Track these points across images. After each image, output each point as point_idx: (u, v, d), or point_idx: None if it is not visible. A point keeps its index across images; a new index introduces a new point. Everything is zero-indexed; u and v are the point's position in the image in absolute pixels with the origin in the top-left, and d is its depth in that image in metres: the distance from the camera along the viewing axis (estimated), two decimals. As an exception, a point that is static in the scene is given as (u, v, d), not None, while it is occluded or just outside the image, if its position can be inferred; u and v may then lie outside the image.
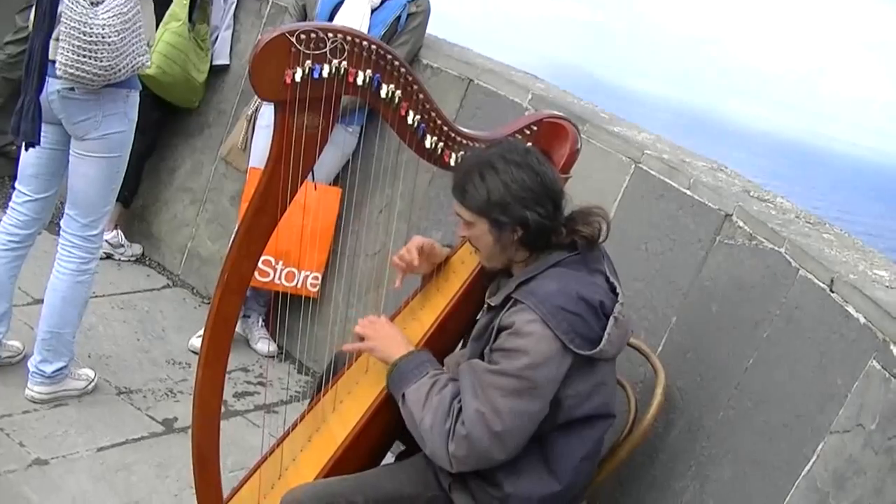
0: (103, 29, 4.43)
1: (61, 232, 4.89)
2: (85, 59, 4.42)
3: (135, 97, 4.76)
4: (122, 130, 4.74)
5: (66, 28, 4.40)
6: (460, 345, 3.92)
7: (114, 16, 4.46)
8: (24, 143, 4.61)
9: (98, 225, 4.90)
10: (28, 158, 4.84)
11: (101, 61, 4.45)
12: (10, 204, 4.95)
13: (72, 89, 4.55)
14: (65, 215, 4.88)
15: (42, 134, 4.63)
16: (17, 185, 4.94)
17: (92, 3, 4.42)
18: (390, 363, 3.61)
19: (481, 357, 3.46)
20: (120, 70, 4.53)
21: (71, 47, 4.40)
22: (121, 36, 4.48)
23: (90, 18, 4.40)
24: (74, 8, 4.39)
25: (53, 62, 4.47)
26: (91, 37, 4.41)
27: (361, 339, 3.74)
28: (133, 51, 4.56)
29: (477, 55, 5.81)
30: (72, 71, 4.43)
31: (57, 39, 4.46)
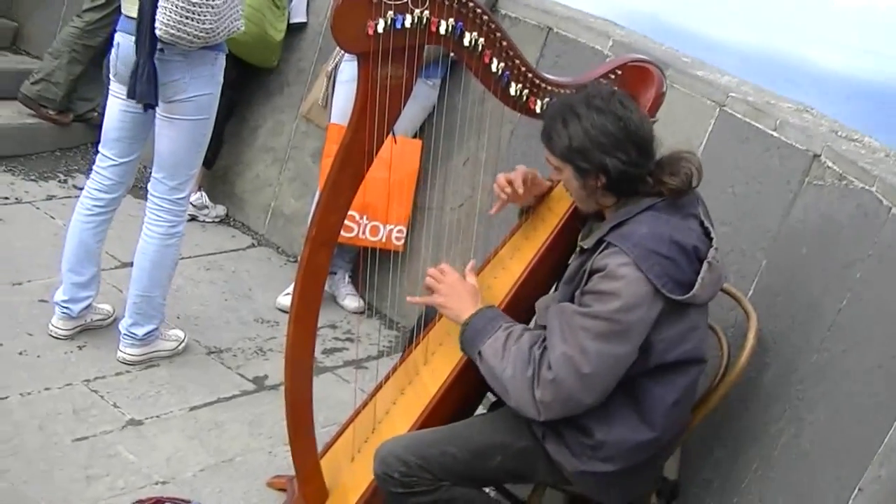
0: None
1: (149, 196, 4.92)
2: (188, 21, 4.42)
3: (222, 60, 4.77)
4: (209, 93, 4.75)
5: None
6: (553, 288, 3.90)
7: None
8: (143, 106, 4.63)
9: (185, 188, 4.92)
10: (112, 122, 4.87)
11: (204, 24, 4.46)
12: (94, 168, 4.99)
13: (161, 50, 4.54)
14: (152, 178, 4.90)
15: (126, 95, 4.65)
16: (100, 148, 4.96)
17: None
18: (460, 323, 3.61)
19: (571, 300, 3.45)
20: (219, 33, 4.54)
21: (175, 8, 4.40)
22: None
23: None
24: None
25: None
26: None
27: (431, 291, 3.75)
28: (232, 14, 4.57)
29: (555, 3, 5.75)
30: (173, 32, 4.43)
31: None
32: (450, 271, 3.75)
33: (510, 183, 3.93)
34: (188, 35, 4.45)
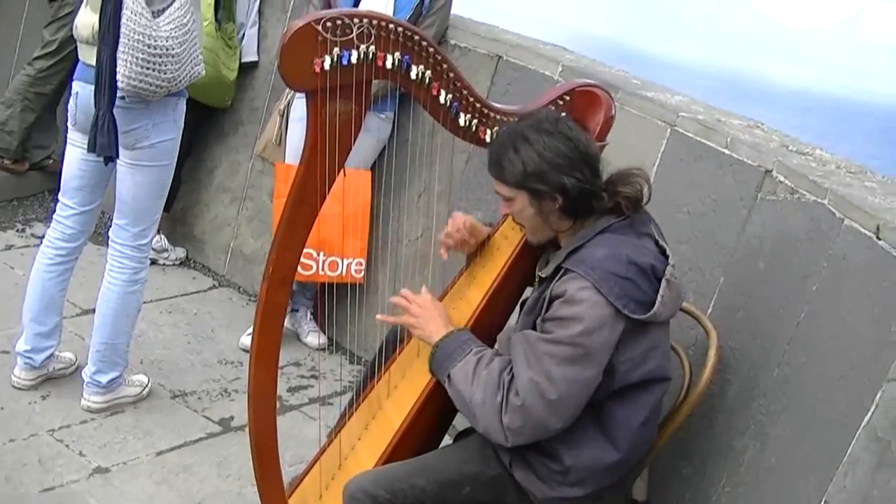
0: (167, 41, 4.42)
1: (111, 243, 4.90)
2: (149, 72, 4.42)
3: (182, 104, 4.77)
4: (171, 138, 4.75)
5: (127, 41, 4.38)
6: (516, 320, 3.91)
7: (176, 27, 4.45)
8: (104, 159, 4.58)
9: (148, 234, 4.92)
10: (71, 171, 4.85)
11: (165, 73, 4.45)
12: (55, 217, 4.96)
13: (122, 98, 4.52)
14: (114, 225, 4.88)
15: (85, 144, 4.63)
16: (60, 197, 4.94)
17: (153, 14, 4.42)
18: (431, 344, 3.61)
19: (533, 328, 3.46)
20: (181, 80, 4.54)
21: (135, 60, 4.39)
22: (183, 47, 4.49)
23: (153, 31, 4.39)
24: (137, 20, 4.37)
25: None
26: (156, 49, 4.41)
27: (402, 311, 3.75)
28: (192, 60, 4.57)
29: (504, 31, 5.78)
30: (135, 83, 4.43)
31: None
32: (422, 295, 3.76)
33: (455, 232, 3.96)
34: (150, 85, 4.45)
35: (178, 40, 4.46)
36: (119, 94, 4.49)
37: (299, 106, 5.65)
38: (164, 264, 6.65)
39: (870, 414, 3.15)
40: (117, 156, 4.58)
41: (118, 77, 4.42)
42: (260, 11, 6.53)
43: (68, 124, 4.85)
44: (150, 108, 4.61)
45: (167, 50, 4.42)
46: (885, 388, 3.13)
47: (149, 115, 4.62)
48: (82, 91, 4.67)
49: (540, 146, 3.39)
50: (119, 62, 4.40)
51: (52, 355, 5.08)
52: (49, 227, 5.02)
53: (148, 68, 4.41)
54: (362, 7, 5.37)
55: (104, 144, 4.50)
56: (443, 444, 3.94)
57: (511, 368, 3.43)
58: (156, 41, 4.40)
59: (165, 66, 4.44)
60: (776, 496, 3.51)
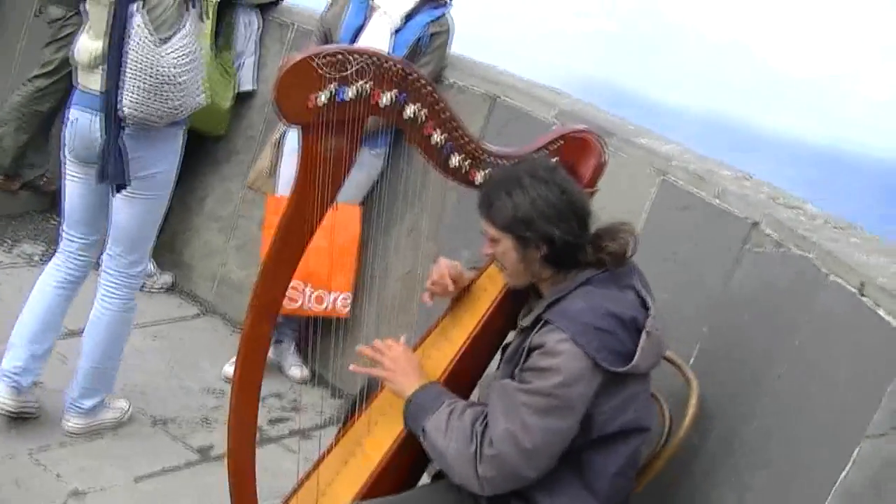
0: (173, 69, 4.43)
1: (104, 270, 4.90)
2: (153, 100, 4.42)
3: (181, 136, 4.78)
4: (168, 169, 4.76)
5: (133, 69, 4.39)
6: (497, 365, 3.91)
7: (181, 55, 4.46)
8: (114, 187, 4.56)
9: (143, 262, 4.94)
10: (73, 204, 4.84)
11: (170, 101, 4.46)
12: (65, 249, 4.94)
13: (124, 126, 4.52)
14: (107, 254, 4.88)
15: (84, 177, 4.63)
16: (66, 229, 4.92)
17: (159, 42, 4.43)
18: (404, 398, 3.61)
19: (512, 377, 3.46)
20: (185, 109, 4.55)
21: (139, 88, 4.40)
22: (188, 76, 4.49)
23: (159, 59, 4.40)
24: (143, 48, 4.37)
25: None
26: (160, 77, 4.41)
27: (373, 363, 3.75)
28: (196, 89, 4.57)
29: (501, 72, 5.80)
30: (138, 111, 4.43)
31: None
32: (394, 345, 3.76)
33: (440, 279, 3.96)
34: (154, 114, 4.45)
35: (184, 69, 4.47)
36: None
37: (293, 138, 5.67)
38: (150, 290, 6.64)
39: (847, 470, 3.16)
40: (129, 183, 4.55)
41: (123, 105, 4.42)
42: (259, 41, 6.56)
43: (66, 154, 4.79)
44: (150, 138, 4.60)
45: (172, 78, 4.43)
46: (862, 444, 3.14)
47: (151, 144, 4.61)
48: (81, 118, 4.65)
49: (533, 193, 3.40)
50: (125, 90, 4.41)
51: (34, 382, 5.00)
52: (55, 252, 5.01)
53: (153, 96, 4.41)
54: (361, 43, 5.39)
55: (116, 173, 4.48)
56: (421, 483, 3.93)
57: (484, 419, 3.43)
58: (160, 69, 4.40)
59: (170, 94, 4.44)
60: (751, 549, 3.52)
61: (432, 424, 3.49)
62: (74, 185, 4.80)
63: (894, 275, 3.56)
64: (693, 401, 3.79)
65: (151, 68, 4.39)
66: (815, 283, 3.72)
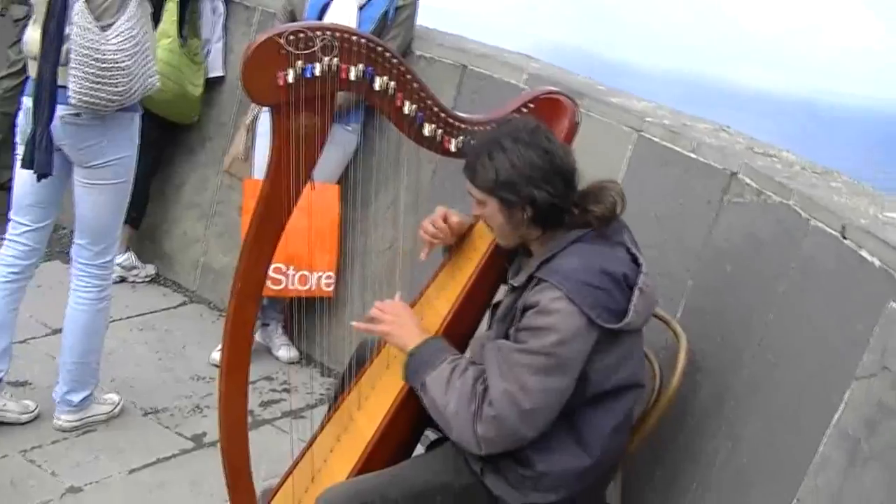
0: (116, 54, 4.40)
1: (74, 262, 4.87)
2: (100, 86, 4.40)
3: (137, 120, 4.74)
4: (127, 155, 4.72)
5: (77, 56, 4.37)
6: (486, 325, 3.91)
7: (124, 40, 4.43)
8: (37, 176, 4.54)
9: (110, 251, 4.89)
10: (24, 188, 4.79)
11: (117, 87, 4.43)
12: (8, 236, 4.89)
13: (77, 115, 4.51)
14: (75, 245, 4.85)
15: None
16: (13, 216, 4.87)
17: (102, 28, 4.41)
18: (405, 352, 3.61)
19: (506, 337, 3.46)
20: (134, 93, 4.52)
21: (85, 75, 4.38)
22: (133, 59, 4.46)
23: (102, 45, 4.38)
24: (85, 35, 4.35)
25: (62, 88, 4.45)
26: (105, 63, 4.39)
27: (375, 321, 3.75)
28: (144, 72, 4.53)
29: (469, 41, 5.79)
30: (87, 99, 4.41)
31: (64, 65, 4.44)
32: (394, 302, 3.77)
33: (435, 225, 3.95)
34: (102, 100, 4.43)
35: (127, 53, 4.43)
36: (74, 110, 4.49)
37: (266, 120, 5.65)
38: (133, 281, 6.64)
39: (839, 412, 3.16)
40: (52, 173, 4.54)
41: (69, 93, 4.41)
42: (225, 27, 6.54)
43: (17, 140, 4.79)
44: (105, 125, 4.58)
45: (116, 63, 4.40)
46: (853, 386, 3.14)
47: (104, 131, 4.59)
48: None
49: (514, 155, 3.39)
50: (70, 78, 4.39)
51: (0, 379, 4.92)
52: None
53: (98, 82, 4.39)
54: (326, 20, 5.37)
55: (42, 162, 4.47)
56: (415, 453, 3.93)
57: (485, 378, 3.43)
58: (104, 55, 4.38)
59: (116, 79, 4.42)
60: (747, 497, 3.51)
61: (433, 380, 3.50)
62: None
63: (875, 216, 3.56)
64: (682, 355, 3.80)
65: (95, 54, 4.37)
66: (797, 229, 3.72)
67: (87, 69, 4.37)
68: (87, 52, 4.36)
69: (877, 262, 3.24)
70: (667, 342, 4.07)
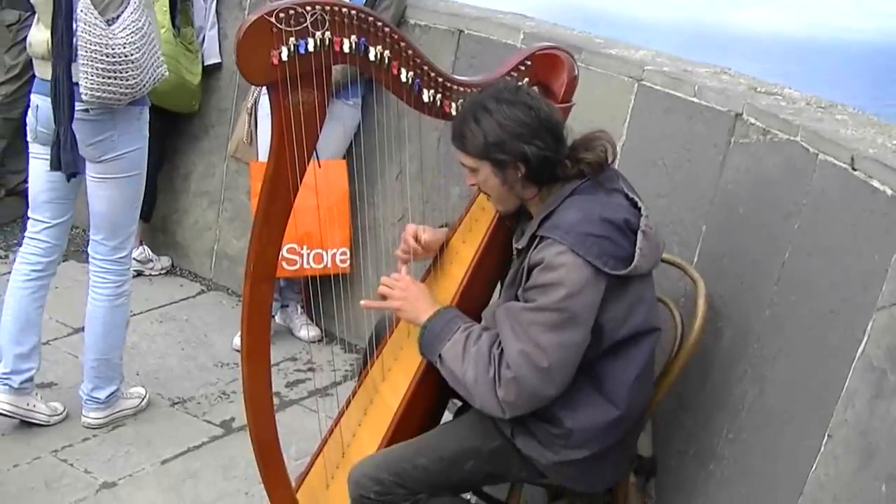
0: (125, 48, 4.40)
1: (90, 259, 4.88)
2: (111, 80, 4.39)
3: (146, 113, 4.74)
4: (139, 147, 4.72)
5: (85, 52, 4.35)
6: (496, 295, 3.91)
7: (131, 32, 4.42)
8: (67, 176, 4.54)
9: (127, 246, 4.89)
10: (39, 185, 4.80)
11: (128, 80, 4.43)
12: (28, 234, 4.90)
13: (86, 110, 4.51)
14: (91, 241, 4.86)
15: (48, 154, 4.61)
16: (31, 214, 4.90)
17: (108, 22, 4.40)
18: (419, 325, 3.61)
19: (516, 300, 3.46)
20: (145, 85, 4.51)
21: (95, 70, 4.37)
22: (142, 51, 4.45)
23: (109, 39, 4.37)
24: (92, 31, 4.34)
25: (75, 85, 4.44)
26: (114, 57, 4.38)
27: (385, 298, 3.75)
28: (153, 63, 4.53)
29: (463, 6, 5.77)
30: (98, 94, 4.40)
31: (74, 62, 4.42)
32: (402, 276, 3.76)
33: (405, 243, 3.97)
34: (114, 94, 4.42)
35: (136, 45, 4.43)
36: (83, 106, 4.48)
37: (266, 102, 5.63)
38: (150, 275, 6.64)
39: (863, 345, 3.15)
40: (82, 171, 4.56)
41: (81, 89, 4.40)
42: (217, 13, 6.51)
43: (28, 139, 4.80)
44: (115, 119, 4.58)
45: (126, 56, 4.40)
46: (875, 317, 3.13)
47: (113, 125, 4.59)
48: (42, 104, 4.62)
49: (500, 116, 3.39)
50: (81, 75, 4.38)
51: (31, 378, 4.92)
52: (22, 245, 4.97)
53: (109, 77, 4.39)
54: (318, -4, 5.34)
55: (68, 161, 4.47)
56: (444, 420, 3.93)
57: (500, 342, 3.43)
58: (113, 49, 4.37)
59: (126, 72, 4.41)
60: (779, 437, 3.51)
61: (449, 351, 3.50)
62: (40, 164, 4.76)
63: (883, 145, 3.56)
64: (701, 301, 3.79)
65: (104, 49, 4.36)
66: (806, 164, 3.71)
67: (96, 65, 4.36)
68: (95, 47, 4.35)
69: (889, 191, 3.23)
70: (685, 289, 4.07)
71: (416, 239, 3.97)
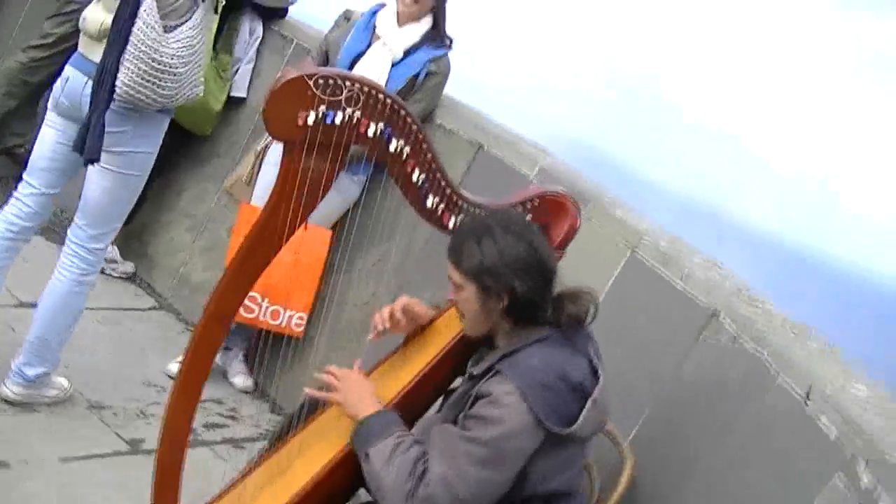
0: (172, 59, 4.45)
1: (67, 241, 4.90)
2: (148, 85, 4.44)
3: (166, 122, 4.80)
4: (149, 151, 4.77)
5: (134, 50, 4.41)
6: (435, 408, 3.92)
7: (183, 46, 4.48)
8: (85, 161, 4.56)
9: (105, 239, 4.91)
10: (43, 151, 4.84)
11: (164, 89, 4.48)
12: (15, 194, 4.93)
13: (114, 100, 4.53)
14: (73, 224, 4.88)
15: (63, 128, 4.64)
16: (25, 176, 4.92)
17: (165, 29, 4.45)
18: (358, 420, 3.61)
19: (455, 422, 3.47)
20: (177, 99, 4.57)
21: (137, 70, 4.42)
22: (187, 67, 4.52)
23: (161, 46, 4.43)
24: (148, 32, 4.40)
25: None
26: (159, 64, 4.44)
27: (327, 387, 3.75)
28: (192, 81, 4.59)
29: (490, 121, 5.82)
30: (131, 93, 4.45)
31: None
32: (350, 371, 3.76)
33: (392, 316, 3.96)
34: (146, 98, 4.48)
35: (183, 60, 4.49)
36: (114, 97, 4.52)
37: (276, 151, 5.68)
38: (110, 274, 6.63)
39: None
40: (99, 160, 4.57)
41: (117, 82, 4.44)
42: (258, 51, 6.59)
43: (48, 106, 4.83)
44: (140, 117, 4.63)
45: (171, 67, 4.45)
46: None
47: (135, 122, 4.63)
48: (74, 78, 4.68)
49: (502, 245, 3.41)
50: (122, 69, 4.43)
51: None
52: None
53: (148, 81, 4.44)
54: (358, 71, 5.41)
55: (92, 147, 4.49)
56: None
57: (426, 459, 3.44)
58: (161, 56, 4.43)
59: (166, 82, 4.47)
60: None
61: (377, 451, 3.48)
62: (51, 133, 4.81)
63: (842, 388, 3.58)
64: (624, 478, 3.81)
65: (152, 54, 4.41)
66: (764, 382, 3.74)
67: (140, 65, 4.41)
68: (145, 48, 4.40)
69: (831, 435, 3.26)
70: (612, 462, 4.08)
71: (406, 311, 3.97)
